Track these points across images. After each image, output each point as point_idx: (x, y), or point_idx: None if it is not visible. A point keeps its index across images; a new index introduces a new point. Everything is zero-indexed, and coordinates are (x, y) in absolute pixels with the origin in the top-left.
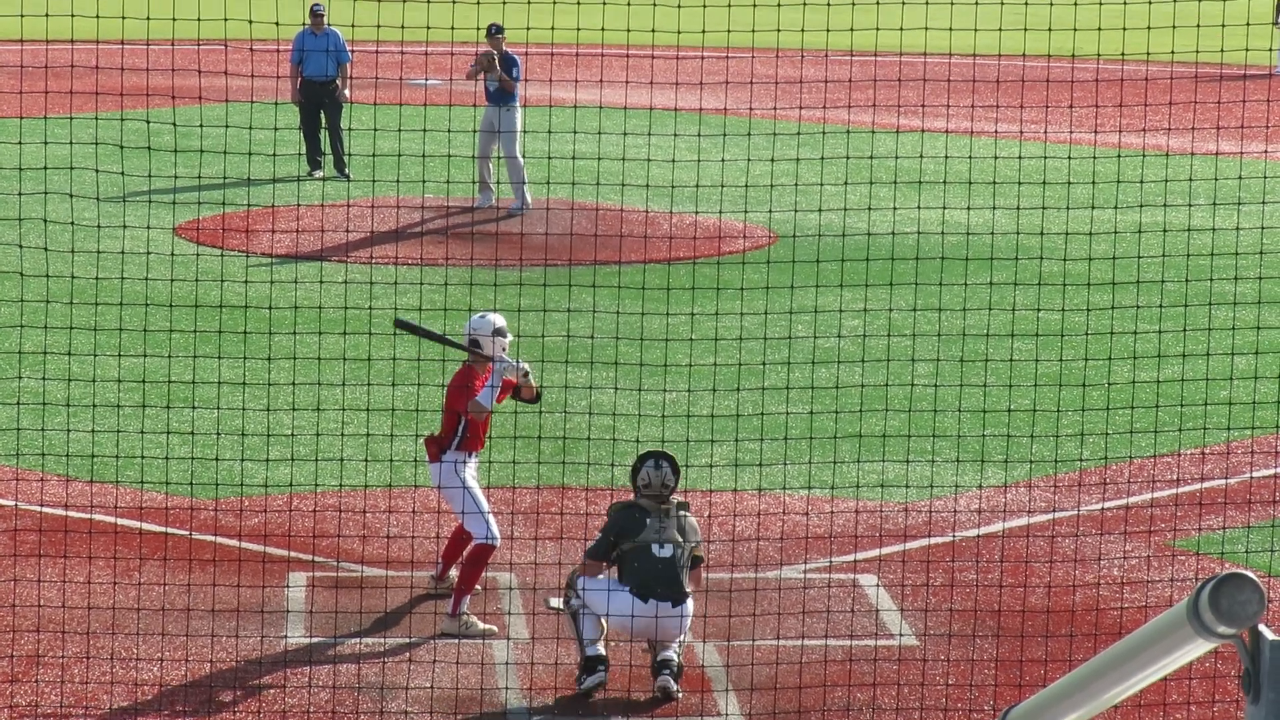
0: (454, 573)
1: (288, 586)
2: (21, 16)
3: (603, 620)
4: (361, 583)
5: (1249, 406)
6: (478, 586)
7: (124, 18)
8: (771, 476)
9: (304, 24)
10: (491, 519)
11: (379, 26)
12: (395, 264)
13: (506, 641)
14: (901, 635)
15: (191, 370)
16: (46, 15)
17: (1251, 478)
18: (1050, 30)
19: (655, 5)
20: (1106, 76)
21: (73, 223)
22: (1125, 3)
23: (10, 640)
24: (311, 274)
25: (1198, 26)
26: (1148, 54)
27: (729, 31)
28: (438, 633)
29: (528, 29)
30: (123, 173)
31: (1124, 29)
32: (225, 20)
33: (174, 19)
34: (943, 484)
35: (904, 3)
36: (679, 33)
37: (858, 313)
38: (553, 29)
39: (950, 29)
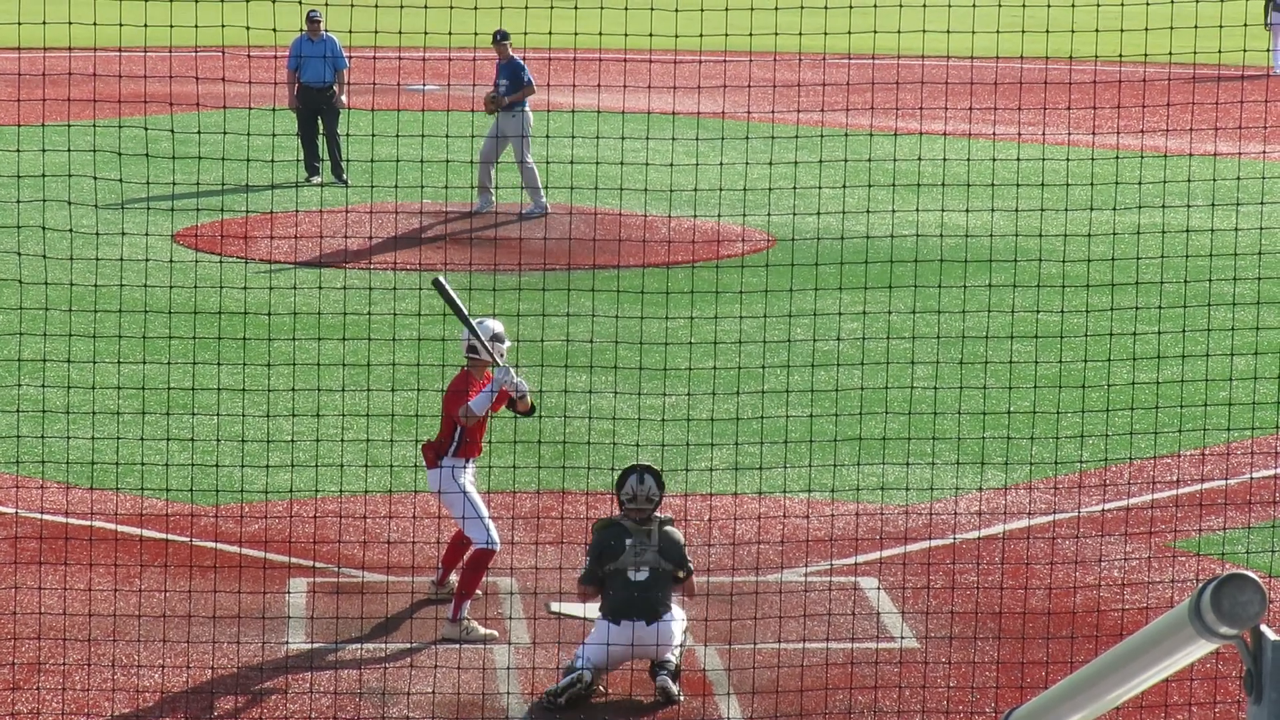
0: (454, 578)
1: (288, 592)
2: (19, 24)
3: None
4: (362, 588)
5: (1248, 407)
6: (478, 591)
7: (121, 25)
8: (771, 480)
9: (301, 30)
10: (491, 524)
11: (376, 32)
12: (394, 269)
13: (508, 646)
14: (902, 638)
15: (191, 377)
16: (44, 23)
17: (1252, 478)
18: (1048, 32)
19: (653, 9)
20: (1104, 78)
21: (71, 230)
22: (1123, 4)
23: (11, 647)
24: (310, 280)
25: (1195, 28)
26: (1145, 55)
27: (726, 35)
28: (439, 638)
29: (525, 34)
30: (121, 180)
31: (1121, 30)
32: (223, 27)
33: (171, 26)
34: (943, 486)
35: (901, 5)
36: (676, 36)
37: (856, 315)
38: (550, 34)
39: (948, 31)
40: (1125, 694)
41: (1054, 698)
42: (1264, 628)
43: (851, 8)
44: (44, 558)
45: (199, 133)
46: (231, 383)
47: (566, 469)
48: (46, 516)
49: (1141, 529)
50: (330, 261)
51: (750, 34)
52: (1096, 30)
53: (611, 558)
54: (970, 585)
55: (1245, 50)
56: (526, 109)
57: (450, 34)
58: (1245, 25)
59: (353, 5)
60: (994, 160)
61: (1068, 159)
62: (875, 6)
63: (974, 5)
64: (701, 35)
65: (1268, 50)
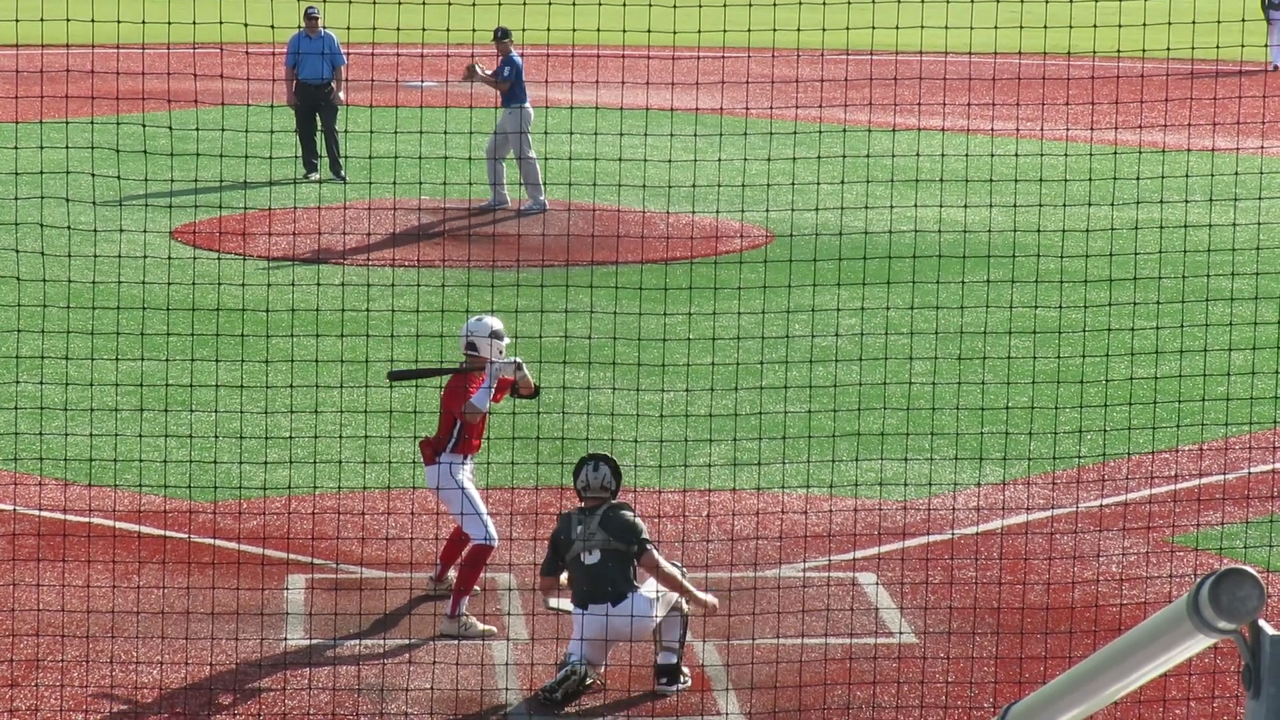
0: (452, 574)
1: (287, 589)
2: (17, 21)
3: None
4: (360, 584)
5: (1246, 402)
6: (476, 587)
7: (119, 22)
8: (770, 475)
9: (299, 27)
10: (489, 520)
11: (374, 29)
12: (392, 266)
13: (506, 642)
14: (901, 633)
15: (189, 373)
16: (42, 20)
17: (1249, 473)
18: (1046, 28)
19: (651, 6)
20: (1102, 74)
21: (69, 227)
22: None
23: (10, 644)
24: (308, 277)
25: (1193, 23)
26: (1143, 51)
27: (724, 31)
28: (437, 634)
29: (524, 30)
30: (119, 176)
31: (1120, 26)
32: (220, 24)
33: (169, 23)
34: (941, 482)
35: (900, 1)
36: (674, 33)
37: (855, 311)
38: (549, 30)
39: (946, 27)
40: (1123, 689)
41: (1052, 693)
42: (1262, 623)
43: (850, 4)
44: (42, 554)
45: (197, 130)
46: (230, 379)
47: (565, 465)
48: (45, 513)
49: (1139, 524)
50: (328, 258)
51: (748, 30)
52: (1095, 26)
53: (566, 546)
54: (968, 580)
55: (1243, 45)
56: (526, 105)
57: (448, 30)
58: (1243, 20)
59: (350, 2)
60: (992, 156)
61: (1066, 154)
62: (874, 2)
63: (972, 1)
64: (699, 31)
65: (1267, 45)
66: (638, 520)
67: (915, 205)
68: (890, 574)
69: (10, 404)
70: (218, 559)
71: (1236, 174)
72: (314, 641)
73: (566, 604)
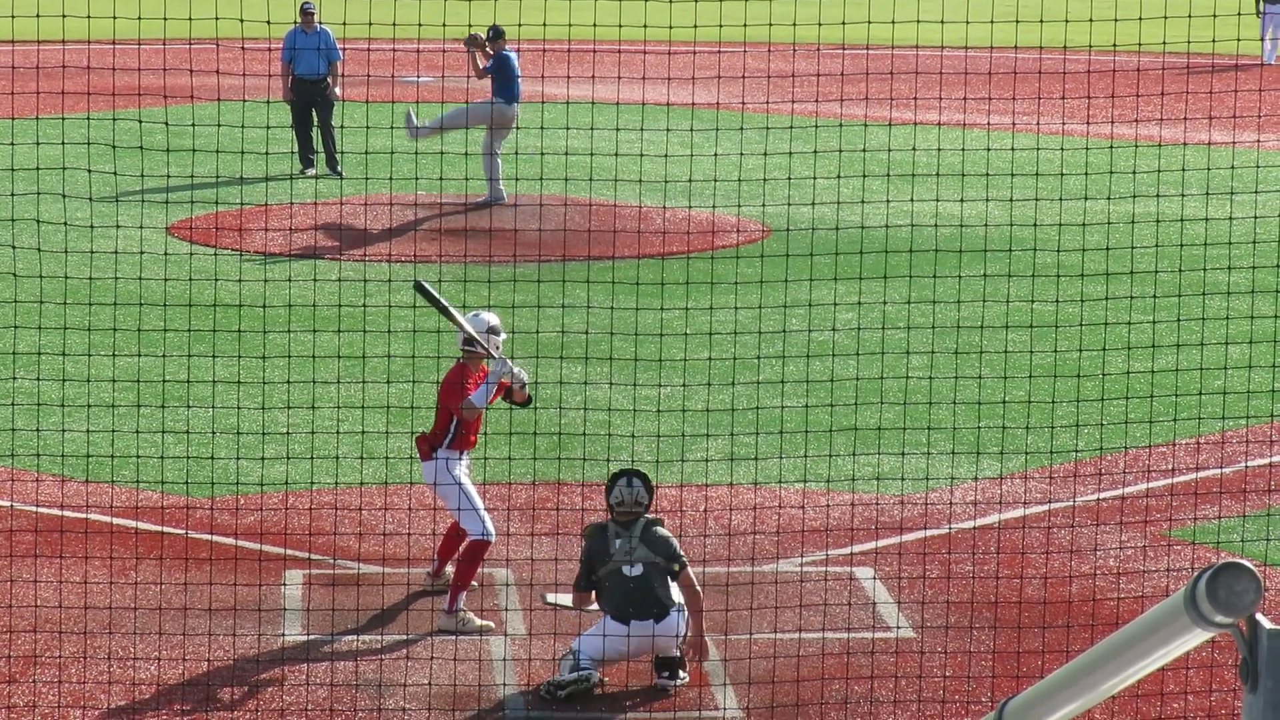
0: (450, 569)
1: (284, 584)
2: (13, 17)
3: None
4: (358, 580)
5: (1243, 396)
6: (474, 583)
7: (115, 18)
8: (767, 470)
9: (295, 22)
10: (486, 515)
11: (370, 24)
12: (389, 261)
13: (503, 637)
14: (898, 628)
15: (186, 369)
16: (38, 16)
17: (1246, 467)
18: (1042, 22)
19: (647, 1)
20: (1098, 68)
21: (66, 223)
22: None
23: (7, 640)
24: (305, 272)
25: (1189, 17)
26: (1139, 45)
27: (721, 26)
28: (435, 629)
29: (520, 25)
30: (115, 172)
31: (1115, 20)
32: (216, 19)
33: (165, 18)
34: (938, 476)
35: None
36: (671, 27)
37: (852, 306)
38: (545, 25)
39: (942, 21)
40: (1121, 683)
41: (1050, 687)
42: (1259, 616)
43: None
44: (39, 551)
45: (193, 125)
46: (226, 375)
47: (562, 460)
48: (42, 510)
49: (1137, 518)
50: (325, 254)
51: (745, 24)
52: (1090, 20)
53: (602, 560)
54: (966, 575)
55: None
56: (505, 104)
57: (444, 26)
58: (1239, 14)
59: None
60: (988, 150)
61: (1062, 149)
62: None
63: None
64: (696, 26)
65: (1260, 39)
66: (672, 535)
67: (912, 200)
68: (887, 569)
69: (7, 400)
70: (215, 555)
71: (1233, 168)
72: (312, 637)
73: (565, 599)
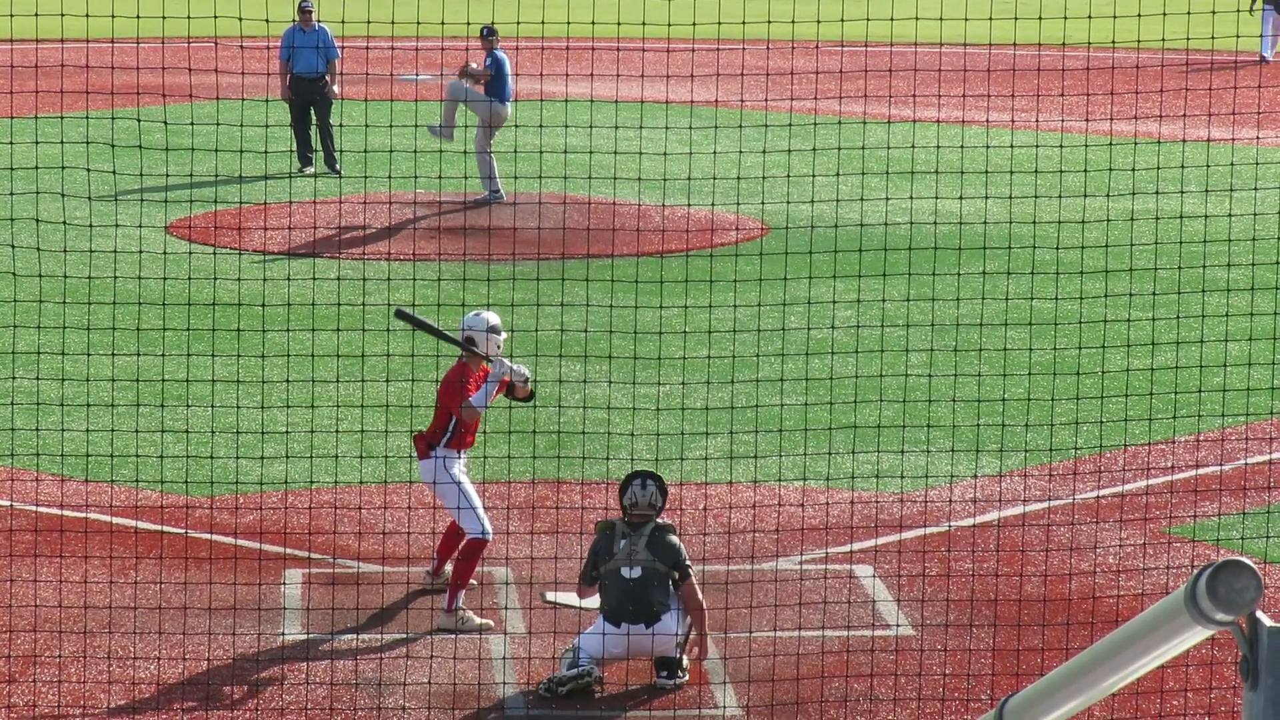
0: (449, 568)
1: (284, 583)
2: (12, 16)
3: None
4: (357, 579)
5: (1243, 393)
6: (473, 581)
7: (114, 16)
8: (766, 468)
9: (293, 21)
10: (484, 514)
11: (369, 22)
12: (388, 260)
13: (503, 636)
14: (898, 625)
15: (185, 368)
16: (36, 15)
17: (1246, 464)
18: (1040, 19)
19: None
20: (1097, 64)
21: (65, 222)
22: None
23: (7, 640)
24: (304, 271)
25: (1188, 14)
26: (1138, 41)
27: (719, 24)
28: (434, 628)
29: (518, 23)
30: (114, 171)
31: (1114, 17)
32: (215, 18)
33: (163, 17)
34: (938, 474)
35: None
36: (669, 25)
37: (851, 303)
38: (543, 23)
39: (940, 18)
40: (1121, 680)
41: (1050, 685)
42: (1259, 614)
43: None
44: (39, 550)
45: (192, 124)
46: (226, 374)
47: (561, 458)
48: (41, 509)
49: (1136, 515)
50: (324, 252)
51: (743, 22)
52: (1089, 16)
53: (606, 557)
54: (965, 572)
55: (1238, 36)
56: (498, 103)
57: (443, 24)
58: (1238, 11)
59: None
60: (987, 147)
61: (1061, 145)
62: None
63: None
64: (694, 24)
65: (1259, 36)
66: (681, 544)
67: (911, 197)
68: (887, 566)
69: (6, 399)
70: (214, 554)
71: (1232, 165)
72: (311, 636)
73: (565, 597)
